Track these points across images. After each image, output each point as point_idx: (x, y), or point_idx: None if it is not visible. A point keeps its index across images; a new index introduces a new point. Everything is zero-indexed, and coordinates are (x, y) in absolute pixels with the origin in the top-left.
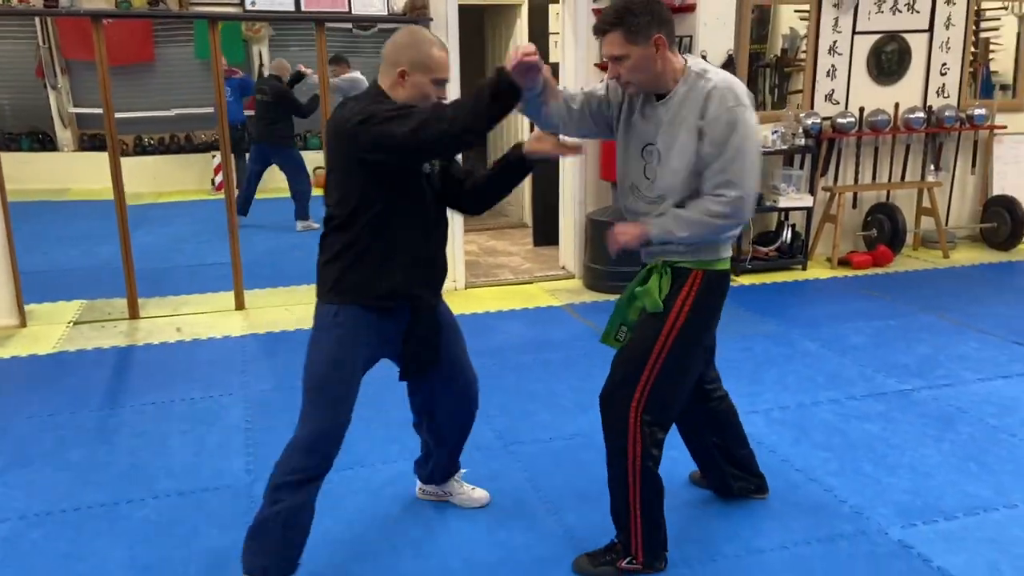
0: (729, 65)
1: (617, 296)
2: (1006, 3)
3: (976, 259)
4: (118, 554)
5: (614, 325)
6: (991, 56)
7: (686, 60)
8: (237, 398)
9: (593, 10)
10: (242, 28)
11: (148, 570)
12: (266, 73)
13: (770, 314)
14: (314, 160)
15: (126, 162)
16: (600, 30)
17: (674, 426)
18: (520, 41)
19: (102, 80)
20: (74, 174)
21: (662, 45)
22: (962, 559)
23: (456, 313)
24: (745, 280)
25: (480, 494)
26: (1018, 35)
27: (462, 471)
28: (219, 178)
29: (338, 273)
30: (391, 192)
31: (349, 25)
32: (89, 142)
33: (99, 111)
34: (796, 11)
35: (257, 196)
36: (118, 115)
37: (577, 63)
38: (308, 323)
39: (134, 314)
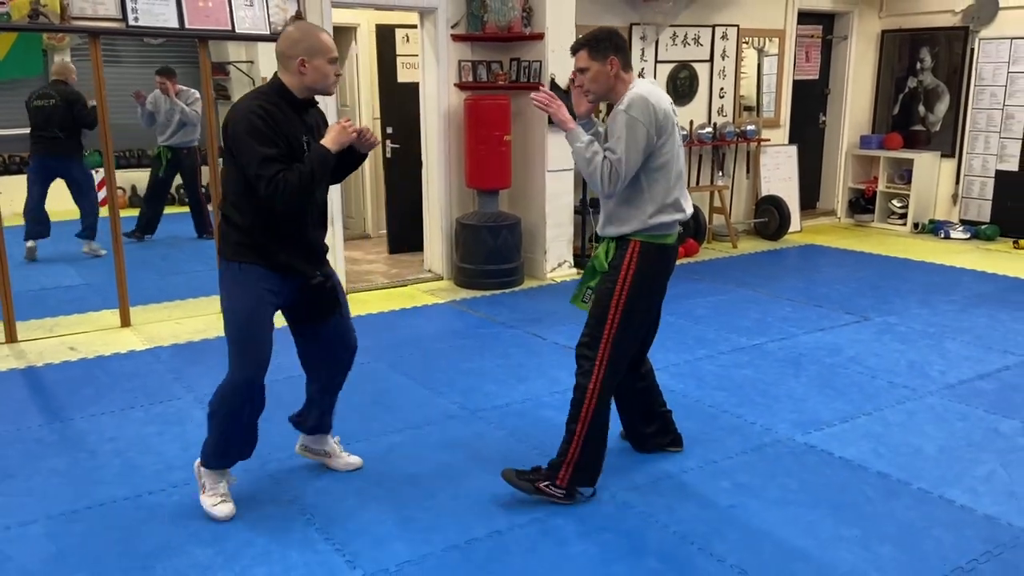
0: (555, 87)
1: (487, 292)
2: (747, 39)
3: (755, 248)
4: (183, 532)
5: (581, 289)
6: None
7: (635, 80)
8: (190, 401)
9: (452, 35)
10: (43, 37)
11: (257, 524)
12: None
13: None
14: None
15: None
16: (573, 49)
17: None
18: (357, 63)
19: None
20: None
21: (615, 65)
22: (853, 450)
23: (352, 315)
24: None
25: (355, 459)
26: (758, 65)
27: (337, 437)
28: (102, 194)
29: (239, 240)
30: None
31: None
32: None
33: None
34: None
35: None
36: None
37: (439, 83)
38: (208, 333)
39: (11, 337)
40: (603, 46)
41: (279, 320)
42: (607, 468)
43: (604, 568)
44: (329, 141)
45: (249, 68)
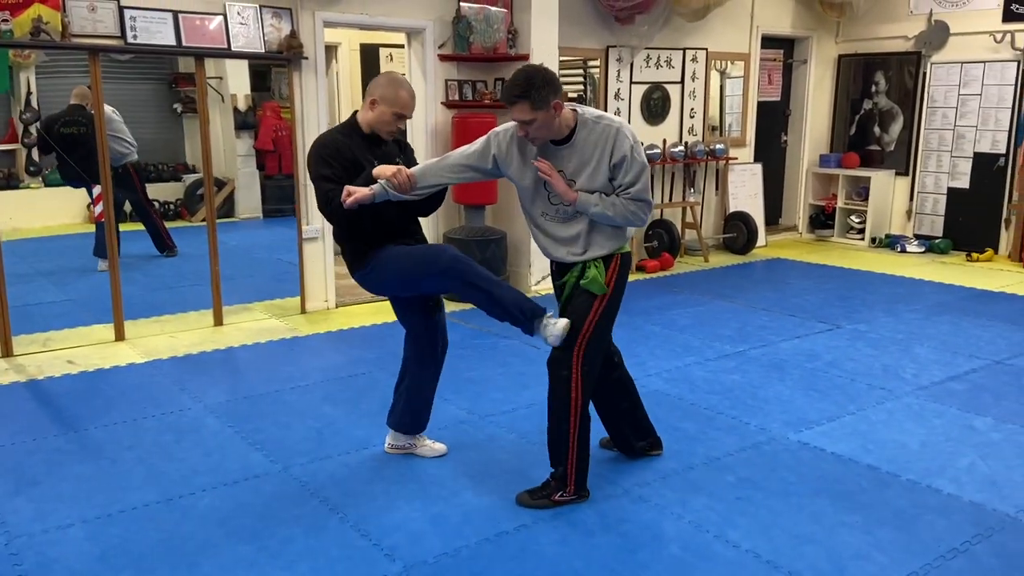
0: None
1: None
2: (714, 62)
3: (726, 262)
4: (221, 532)
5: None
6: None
7: (575, 109)
8: (199, 411)
9: (439, 55)
10: (9, 54)
11: (292, 523)
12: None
13: None
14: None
15: None
16: (509, 101)
17: None
18: (338, 81)
19: None
20: None
21: (559, 108)
22: (843, 446)
23: (342, 328)
24: None
25: (440, 446)
26: (720, 87)
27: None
28: (99, 208)
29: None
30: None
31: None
32: None
33: None
34: (591, 64)
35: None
36: None
37: (426, 101)
38: (206, 346)
39: (8, 352)
40: (543, 94)
41: (302, 328)
42: (618, 466)
43: (631, 556)
44: (378, 170)
45: (219, 84)
